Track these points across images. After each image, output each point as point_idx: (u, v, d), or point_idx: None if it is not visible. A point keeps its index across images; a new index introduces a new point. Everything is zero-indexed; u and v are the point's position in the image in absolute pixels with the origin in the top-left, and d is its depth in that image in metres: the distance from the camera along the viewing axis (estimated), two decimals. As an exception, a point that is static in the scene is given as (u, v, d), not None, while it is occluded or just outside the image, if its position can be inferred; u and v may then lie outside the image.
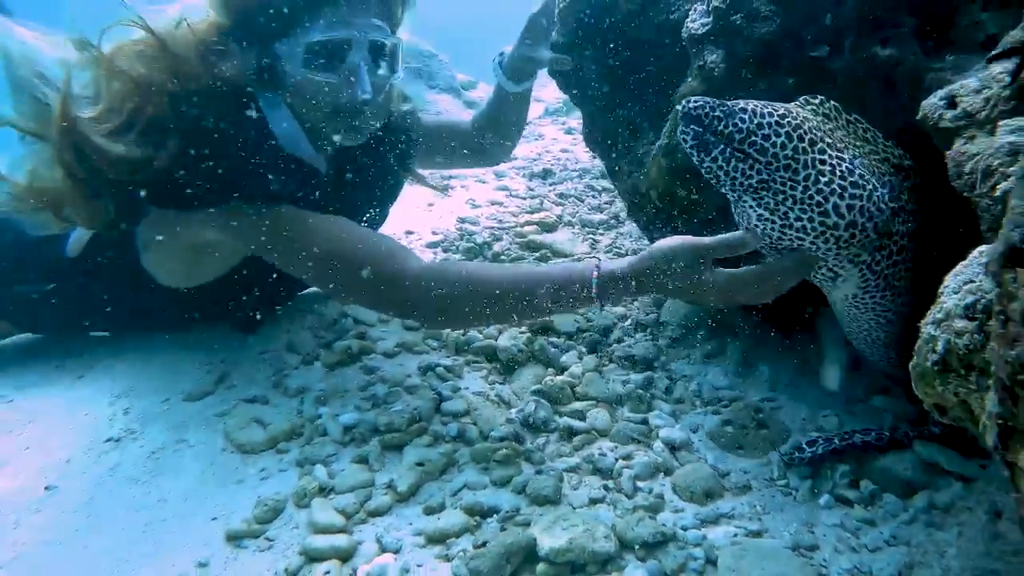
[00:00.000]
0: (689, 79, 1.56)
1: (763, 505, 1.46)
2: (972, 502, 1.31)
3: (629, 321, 2.11)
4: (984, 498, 1.25)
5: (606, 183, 3.25)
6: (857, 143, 1.34)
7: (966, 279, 0.89)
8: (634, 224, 2.73)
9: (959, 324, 0.87)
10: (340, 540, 1.39)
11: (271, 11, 1.65)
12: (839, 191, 1.24)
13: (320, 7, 1.66)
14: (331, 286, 1.77)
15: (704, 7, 1.52)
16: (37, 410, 1.81)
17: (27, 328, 2.16)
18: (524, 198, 3.11)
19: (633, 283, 1.49)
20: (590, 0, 1.85)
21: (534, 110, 5.04)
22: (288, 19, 1.66)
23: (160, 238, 1.81)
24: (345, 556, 1.36)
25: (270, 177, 1.65)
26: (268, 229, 1.67)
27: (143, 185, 1.59)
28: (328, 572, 1.32)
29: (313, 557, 1.35)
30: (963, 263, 0.93)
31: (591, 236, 2.69)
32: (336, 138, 1.81)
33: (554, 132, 4.41)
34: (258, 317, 2.09)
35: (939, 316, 0.91)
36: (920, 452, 1.46)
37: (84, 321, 2.06)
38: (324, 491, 1.53)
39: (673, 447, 1.64)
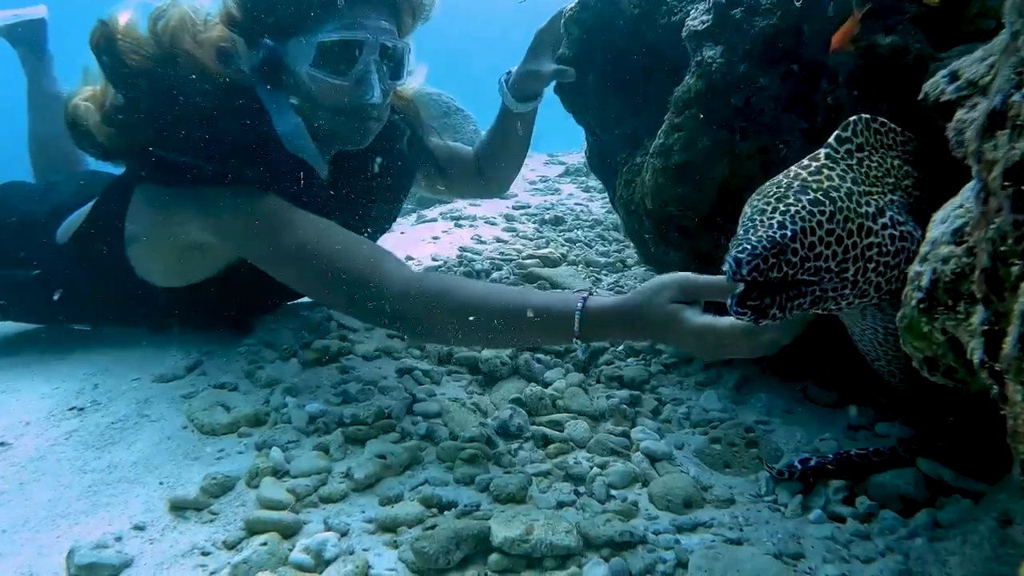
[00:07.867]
0: (687, 76, 1.54)
1: (746, 518, 1.33)
2: (980, 514, 1.17)
3: (622, 347, 2.02)
4: (995, 508, 1.11)
5: (618, 234, 3.21)
6: (888, 163, 1.20)
7: (956, 206, 0.82)
8: (640, 268, 2.68)
9: (945, 250, 0.79)
10: (286, 517, 1.29)
11: (284, 7, 1.65)
12: (880, 269, 1.12)
13: (333, 6, 1.64)
14: (312, 288, 1.70)
15: (705, 5, 1.52)
16: (11, 384, 1.80)
17: (17, 316, 2.12)
18: (531, 239, 3.07)
19: (620, 321, 1.37)
20: (595, 8, 1.86)
21: (554, 171, 5.09)
22: (300, 17, 1.65)
23: (143, 238, 1.80)
24: (288, 533, 1.26)
25: (263, 167, 1.63)
26: (251, 222, 1.61)
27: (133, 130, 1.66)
28: (265, 543, 1.21)
29: (256, 531, 1.26)
30: (952, 199, 0.86)
31: (595, 275, 2.62)
32: (339, 141, 1.80)
33: (571, 189, 4.43)
34: (247, 320, 2.04)
35: (925, 250, 0.83)
36: (923, 467, 1.33)
37: (66, 311, 2.02)
38: (278, 473, 1.44)
39: (653, 458, 1.52)
